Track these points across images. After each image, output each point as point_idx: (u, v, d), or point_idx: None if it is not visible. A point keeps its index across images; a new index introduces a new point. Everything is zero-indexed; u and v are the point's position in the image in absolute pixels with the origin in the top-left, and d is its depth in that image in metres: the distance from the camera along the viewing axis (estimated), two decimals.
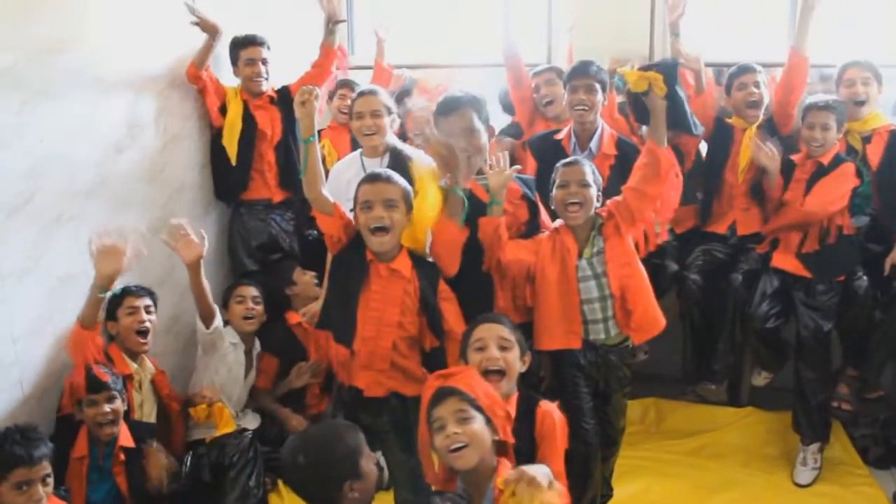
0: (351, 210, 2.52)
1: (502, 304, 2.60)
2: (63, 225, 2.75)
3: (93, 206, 2.89)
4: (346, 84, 3.89)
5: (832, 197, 3.15)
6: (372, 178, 2.44)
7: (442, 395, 1.95)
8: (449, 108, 2.57)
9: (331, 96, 3.82)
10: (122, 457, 2.58)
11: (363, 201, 2.39)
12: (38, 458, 2.17)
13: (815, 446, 3.27)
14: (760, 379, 3.54)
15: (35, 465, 2.16)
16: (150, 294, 2.93)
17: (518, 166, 2.57)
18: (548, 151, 3.12)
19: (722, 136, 3.45)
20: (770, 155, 3.23)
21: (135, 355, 2.86)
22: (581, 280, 2.55)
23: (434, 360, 2.42)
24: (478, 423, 1.91)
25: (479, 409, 1.93)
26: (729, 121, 3.47)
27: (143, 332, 2.83)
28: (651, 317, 2.60)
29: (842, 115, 3.19)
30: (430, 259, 2.54)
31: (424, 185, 2.47)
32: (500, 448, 1.98)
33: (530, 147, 3.24)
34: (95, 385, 2.51)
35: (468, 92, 2.68)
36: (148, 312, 2.87)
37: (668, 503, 3.07)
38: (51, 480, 2.23)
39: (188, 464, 2.93)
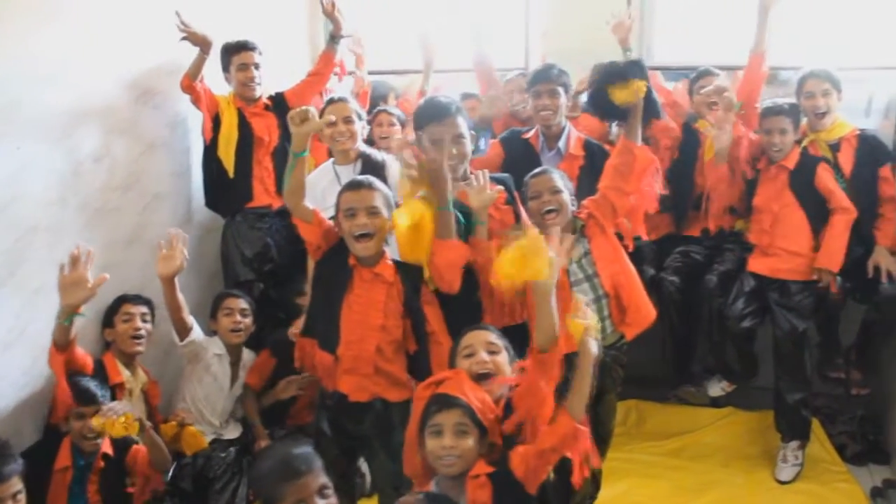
0: (331, 218, 2.52)
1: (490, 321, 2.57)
2: (38, 235, 2.72)
3: (68, 216, 2.86)
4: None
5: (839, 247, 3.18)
6: (354, 186, 2.45)
7: (446, 403, 1.97)
8: (440, 114, 2.55)
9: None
10: (102, 463, 2.56)
11: (346, 209, 2.40)
12: (6, 475, 2.14)
13: (794, 444, 3.31)
14: (717, 389, 3.57)
15: (3, 483, 2.12)
16: (147, 303, 2.94)
17: (500, 188, 2.56)
18: (517, 149, 3.15)
19: (689, 141, 3.50)
20: (720, 134, 3.23)
21: (129, 364, 2.86)
22: (574, 284, 2.55)
23: (418, 364, 2.43)
24: (472, 439, 1.95)
25: (477, 422, 1.96)
26: (695, 126, 3.52)
27: (138, 337, 2.87)
28: (644, 311, 2.62)
29: (797, 117, 3.25)
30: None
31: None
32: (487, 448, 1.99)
33: (501, 142, 3.26)
34: (85, 398, 2.50)
35: (452, 98, 2.68)
36: (144, 320, 2.91)
37: None
38: (22, 497, 2.20)
39: (171, 472, 2.90)
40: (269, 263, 3.62)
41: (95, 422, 2.40)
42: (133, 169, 3.23)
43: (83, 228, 2.93)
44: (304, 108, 2.39)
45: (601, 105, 2.70)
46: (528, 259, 1.94)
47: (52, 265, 2.74)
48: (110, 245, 3.05)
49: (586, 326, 1.93)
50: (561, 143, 3.17)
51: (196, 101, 3.45)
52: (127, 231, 3.18)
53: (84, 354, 2.63)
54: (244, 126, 3.55)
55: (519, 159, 3.02)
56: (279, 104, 3.64)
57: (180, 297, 2.93)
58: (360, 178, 2.53)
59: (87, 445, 2.52)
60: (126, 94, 3.20)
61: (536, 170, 2.69)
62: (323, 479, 1.80)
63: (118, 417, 2.38)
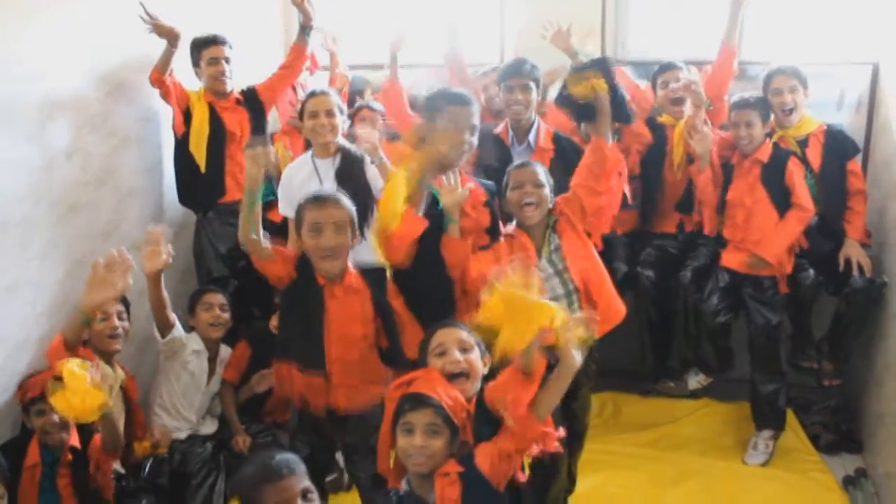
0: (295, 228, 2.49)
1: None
2: (8, 232, 2.68)
3: (41, 212, 2.83)
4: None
5: (783, 241, 3.22)
6: (320, 201, 2.41)
7: (419, 402, 1.96)
8: (461, 100, 2.57)
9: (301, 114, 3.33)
10: (69, 457, 2.54)
11: (312, 224, 2.37)
12: None
13: (767, 433, 3.36)
14: (695, 382, 3.60)
15: None
16: (122, 300, 2.91)
17: (471, 185, 2.57)
18: (487, 144, 3.15)
19: (656, 137, 3.51)
20: (700, 138, 3.28)
21: (107, 361, 2.82)
22: (544, 279, 2.51)
23: (392, 355, 2.45)
24: (443, 440, 1.94)
25: (448, 423, 1.95)
26: (660, 120, 3.54)
27: (115, 336, 2.85)
28: (614, 307, 2.63)
29: (765, 110, 3.27)
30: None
31: (396, 179, 2.41)
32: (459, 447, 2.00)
33: None
34: (32, 398, 2.48)
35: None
36: (120, 318, 2.88)
37: (627, 495, 3.10)
38: (3, 502, 2.18)
39: (148, 467, 2.90)
40: (242, 259, 3.57)
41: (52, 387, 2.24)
42: (105, 164, 3.20)
43: (56, 224, 2.90)
44: (265, 150, 2.34)
45: (566, 103, 2.73)
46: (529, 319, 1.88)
47: (24, 262, 2.73)
48: (84, 241, 3.02)
49: (576, 338, 1.89)
50: (531, 137, 3.19)
51: (166, 96, 3.42)
52: (100, 227, 3.15)
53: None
54: (215, 121, 3.52)
55: (490, 154, 3.03)
56: (251, 98, 3.63)
57: (165, 294, 2.90)
58: (326, 192, 2.49)
59: (52, 440, 2.50)
60: (97, 89, 3.16)
61: (520, 161, 2.70)
62: (306, 483, 1.78)
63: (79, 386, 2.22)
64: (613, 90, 2.60)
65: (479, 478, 1.89)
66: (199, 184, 3.55)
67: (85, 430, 2.58)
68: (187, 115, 3.49)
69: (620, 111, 2.70)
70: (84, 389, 2.18)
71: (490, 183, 2.74)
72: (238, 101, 3.61)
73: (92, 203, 3.11)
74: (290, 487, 1.74)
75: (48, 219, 2.86)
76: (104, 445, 2.55)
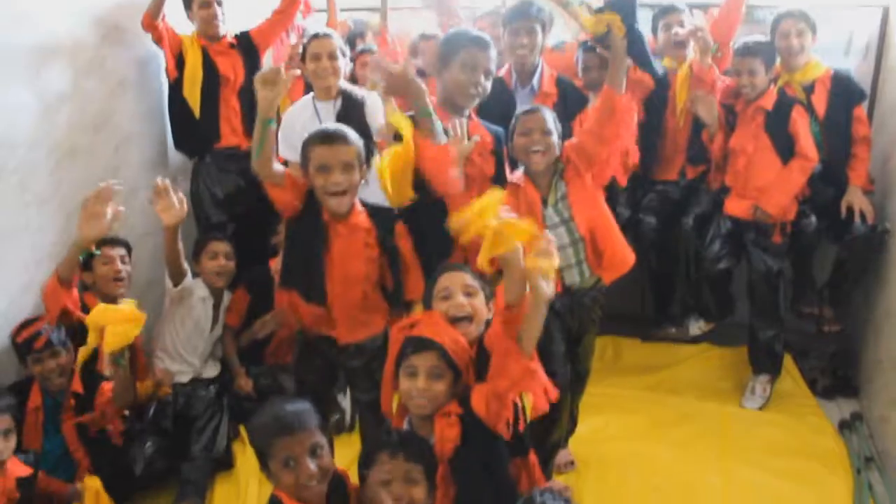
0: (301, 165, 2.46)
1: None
2: (6, 177, 2.66)
3: (39, 156, 2.81)
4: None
5: (786, 191, 3.20)
6: (328, 140, 2.35)
7: (422, 345, 1.97)
8: (481, 42, 2.50)
9: (302, 56, 3.25)
10: (73, 402, 2.58)
11: (320, 164, 2.32)
12: None
13: (764, 377, 3.40)
14: (696, 328, 3.62)
15: None
16: (125, 244, 2.94)
17: (477, 137, 2.52)
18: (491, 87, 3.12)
19: (657, 81, 3.42)
20: (707, 107, 3.26)
21: (112, 303, 2.82)
22: (550, 228, 2.51)
23: (394, 295, 2.46)
24: (445, 383, 1.95)
25: (451, 366, 1.96)
26: (662, 64, 3.48)
27: (119, 280, 2.87)
28: (620, 255, 2.60)
29: (768, 55, 3.22)
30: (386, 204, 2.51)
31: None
32: (461, 390, 2.01)
33: None
34: (45, 343, 2.51)
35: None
36: (123, 262, 2.91)
37: (627, 437, 3.14)
38: (13, 437, 2.22)
39: (152, 410, 2.94)
40: (240, 205, 3.58)
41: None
42: (103, 108, 3.17)
43: (55, 169, 2.88)
44: (275, 67, 2.26)
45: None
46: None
47: (22, 207, 2.72)
48: (83, 186, 2.98)
49: (541, 268, 1.83)
50: (535, 81, 3.14)
51: (158, 41, 3.37)
52: (99, 171, 3.12)
53: (76, 292, 2.64)
54: (209, 65, 3.48)
55: (493, 97, 2.99)
56: (245, 43, 3.58)
57: (180, 245, 2.89)
58: (333, 130, 2.41)
59: (53, 386, 2.55)
60: (93, 32, 3.11)
61: (529, 107, 2.64)
62: (317, 438, 1.80)
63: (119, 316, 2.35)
64: (631, 33, 2.46)
65: (477, 419, 1.91)
66: (194, 129, 3.52)
67: (89, 377, 2.61)
68: (180, 60, 3.45)
69: (640, 54, 2.60)
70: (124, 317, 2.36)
71: (498, 129, 2.69)
72: (232, 46, 3.55)
73: (90, 147, 3.09)
74: (299, 443, 1.77)
75: (46, 164, 2.85)
76: (115, 398, 2.57)
